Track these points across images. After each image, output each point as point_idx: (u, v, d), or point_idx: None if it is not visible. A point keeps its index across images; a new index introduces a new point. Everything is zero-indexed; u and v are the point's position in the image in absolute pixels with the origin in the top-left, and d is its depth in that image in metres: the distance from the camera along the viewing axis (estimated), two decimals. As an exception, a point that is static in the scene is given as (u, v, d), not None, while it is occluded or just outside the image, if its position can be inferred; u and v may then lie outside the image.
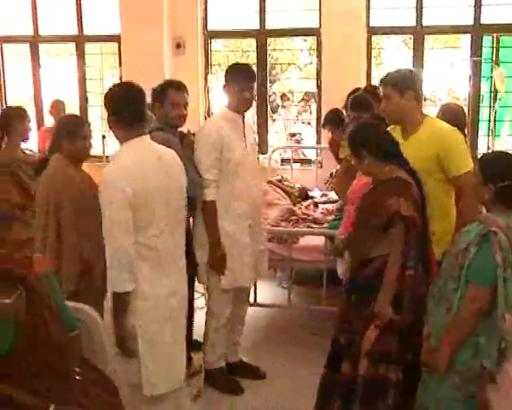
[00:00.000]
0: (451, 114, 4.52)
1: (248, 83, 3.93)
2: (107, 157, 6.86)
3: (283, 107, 11.38)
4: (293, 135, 9.86)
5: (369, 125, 3.41)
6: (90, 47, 7.95)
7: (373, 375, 3.14)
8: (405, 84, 3.53)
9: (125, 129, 2.94)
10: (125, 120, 2.92)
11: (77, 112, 7.72)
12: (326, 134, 6.42)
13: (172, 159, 3.09)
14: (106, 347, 2.77)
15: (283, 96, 11.35)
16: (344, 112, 5.71)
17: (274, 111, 10.95)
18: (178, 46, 7.35)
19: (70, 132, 3.61)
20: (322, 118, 6.20)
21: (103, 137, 7.18)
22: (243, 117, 4.05)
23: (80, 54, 7.87)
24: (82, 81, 7.95)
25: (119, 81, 7.48)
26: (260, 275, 4.34)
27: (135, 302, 2.90)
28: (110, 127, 3.00)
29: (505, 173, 2.85)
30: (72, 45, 7.96)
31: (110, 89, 3.10)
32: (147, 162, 2.91)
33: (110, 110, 2.97)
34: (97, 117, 7.70)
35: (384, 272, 3.11)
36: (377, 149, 3.20)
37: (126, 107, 2.92)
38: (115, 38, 7.59)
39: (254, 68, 7.60)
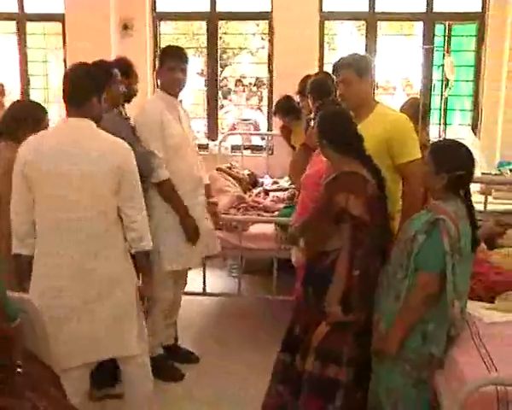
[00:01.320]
0: (416, 108, 4.67)
1: (180, 63, 4.02)
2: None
3: (235, 92, 11.38)
4: (245, 121, 9.88)
5: (335, 115, 3.37)
6: (31, 26, 7.77)
7: (320, 373, 3.17)
8: (365, 67, 3.61)
9: (66, 109, 3.06)
10: (63, 98, 3.06)
11: (17, 96, 7.57)
12: (278, 121, 6.47)
13: (104, 148, 3.01)
14: (49, 340, 2.75)
15: (238, 82, 11.36)
16: (297, 97, 5.77)
17: (225, 96, 10.95)
18: (126, 27, 7.23)
19: (29, 123, 3.46)
20: (274, 104, 6.26)
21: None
22: (177, 99, 4.15)
23: (21, 34, 7.67)
24: (23, 63, 7.75)
25: (62, 63, 7.39)
26: (213, 251, 4.41)
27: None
28: None
29: (458, 163, 2.94)
30: (13, 24, 7.72)
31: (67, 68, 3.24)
32: (55, 142, 2.97)
33: None
34: (40, 101, 7.54)
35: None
36: (337, 141, 3.22)
37: (65, 87, 3.05)
38: (59, 18, 7.39)
39: (205, 52, 7.66)
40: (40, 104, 3.77)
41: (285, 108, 5.93)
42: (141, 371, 3.28)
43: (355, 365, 3.17)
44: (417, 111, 4.66)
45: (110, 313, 3.08)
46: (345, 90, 3.63)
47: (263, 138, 8.00)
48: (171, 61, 4.01)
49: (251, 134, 8.55)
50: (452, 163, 2.93)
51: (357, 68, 3.58)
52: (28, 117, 3.49)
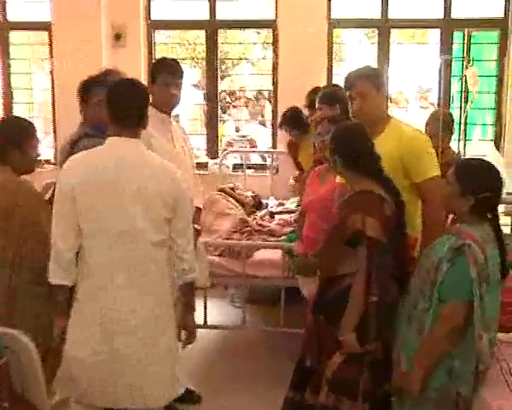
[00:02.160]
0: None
1: (174, 78, 3.99)
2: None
3: (234, 106, 11.41)
4: (242, 137, 9.90)
5: (350, 130, 3.37)
6: (15, 36, 7.78)
7: (334, 407, 3.15)
8: (381, 80, 3.64)
9: (111, 125, 3.08)
10: (110, 117, 3.07)
11: None
12: (284, 136, 6.47)
13: (160, 173, 3.05)
14: (40, 379, 2.71)
15: (232, 95, 11.39)
16: (305, 111, 5.78)
17: (224, 111, 10.96)
18: (118, 37, 7.26)
19: (19, 140, 3.40)
20: (279, 118, 6.26)
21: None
22: (170, 116, 4.10)
23: (4, 43, 7.67)
24: (6, 75, 7.74)
25: (49, 75, 7.40)
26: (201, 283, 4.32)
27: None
28: None
29: (485, 184, 2.93)
30: (-5, 33, 7.79)
31: (113, 83, 3.21)
32: (105, 162, 2.99)
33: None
34: (24, 116, 7.51)
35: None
36: (350, 158, 3.23)
37: (113, 104, 3.06)
38: (45, 26, 7.41)
39: (203, 63, 7.68)
40: (26, 120, 3.70)
41: (292, 121, 5.93)
42: None
43: (371, 399, 3.14)
44: (445, 124, 4.65)
45: (157, 360, 3.09)
46: (361, 104, 3.61)
47: (262, 156, 8.02)
48: (165, 75, 3.97)
49: (254, 152, 8.55)
50: (479, 184, 2.92)
51: (374, 81, 3.60)
52: (15, 135, 3.42)
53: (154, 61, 7.30)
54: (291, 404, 3.40)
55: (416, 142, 3.58)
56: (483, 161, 3.10)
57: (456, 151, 5.63)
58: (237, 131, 10.45)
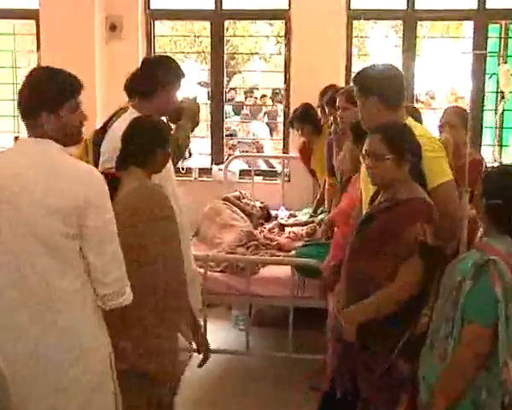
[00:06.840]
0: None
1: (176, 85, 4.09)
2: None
3: (246, 106, 11.44)
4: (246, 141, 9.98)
5: (406, 128, 3.43)
6: (-1, 25, 7.86)
7: None
8: (368, 86, 3.62)
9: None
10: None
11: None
12: (296, 140, 6.51)
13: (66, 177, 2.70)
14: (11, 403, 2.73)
15: (247, 93, 11.42)
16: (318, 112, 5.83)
17: (237, 112, 10.97)
18: (113, 28, 7.28)
19: (164, 142, 3.39)
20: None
21: (16, 138, 7.11)
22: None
23: (-13, 34, 7.78)
24: (-11, 68, 7.85)
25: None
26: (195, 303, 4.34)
27: None
28: None
29: (501, 191, 2.94)
30: (-24, 23, 7.86)
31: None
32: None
33: None
34: (9, 114, 7.61)
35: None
36: (410, 160, 3.30)
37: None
38: (32, 15, 7.45)
39: (208, 57, 7.71)
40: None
41: (303, 116, 6.02)
42: None
43: None
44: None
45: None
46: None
47: (267, 162, 8.06)
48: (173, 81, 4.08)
49: (263, 157, 8.57)
50: (495, 190, 2.95)
51: (361, 88, 3.65)
52: (162, 136, 3.41)
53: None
54: None
55: (423, 149, 3.52)
56: (507, 166, 3.13)
57: (487, 160, 5.61)
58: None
